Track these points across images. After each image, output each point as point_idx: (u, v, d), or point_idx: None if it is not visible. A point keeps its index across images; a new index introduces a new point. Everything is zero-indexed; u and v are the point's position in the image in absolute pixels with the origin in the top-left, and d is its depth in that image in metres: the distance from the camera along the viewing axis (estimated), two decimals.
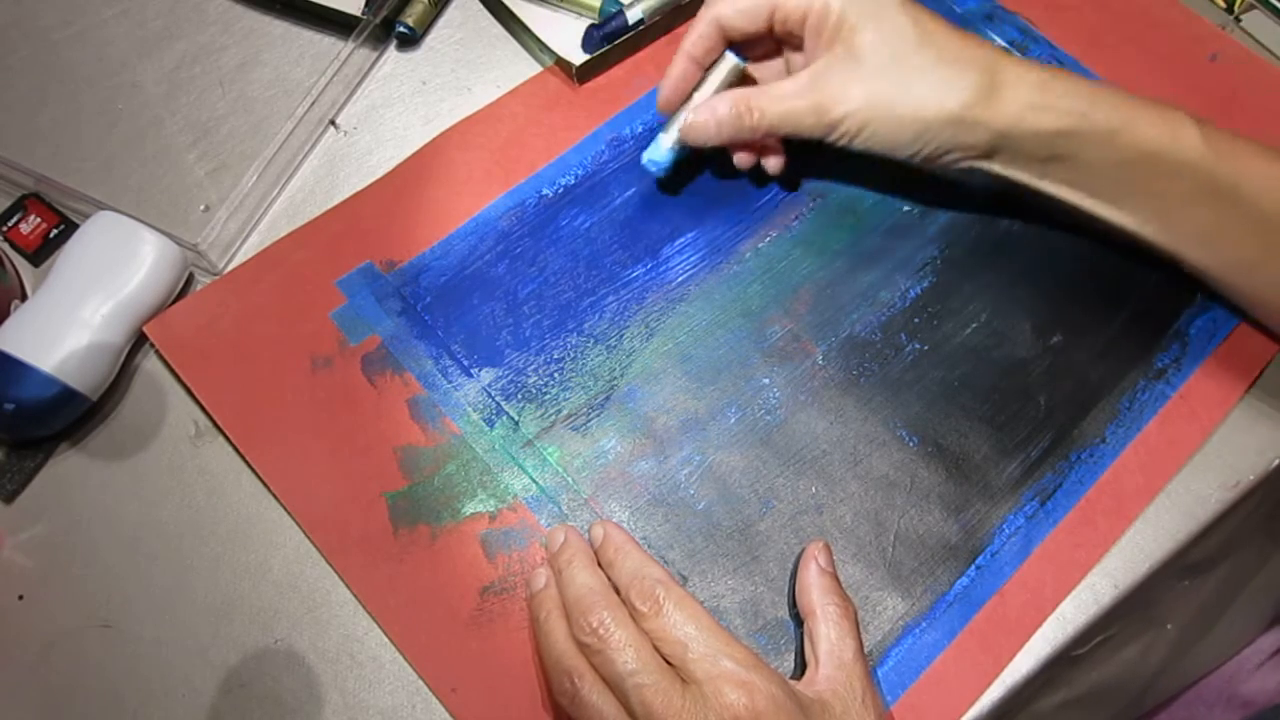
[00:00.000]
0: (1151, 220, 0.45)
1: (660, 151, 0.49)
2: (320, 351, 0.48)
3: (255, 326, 0.48)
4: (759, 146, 0.50)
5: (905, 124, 0.44)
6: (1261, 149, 0.43)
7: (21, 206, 0.51)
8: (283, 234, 0.51)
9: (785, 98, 0.46)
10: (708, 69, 0.48)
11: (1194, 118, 0.43)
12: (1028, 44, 0.57)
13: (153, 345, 0.48)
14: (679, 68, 0.48)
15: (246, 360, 0.47)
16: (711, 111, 0.47)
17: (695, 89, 0.48)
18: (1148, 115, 0.43)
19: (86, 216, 0.48)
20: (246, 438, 0.46)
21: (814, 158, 0.53)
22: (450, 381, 0.47)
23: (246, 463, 0.45)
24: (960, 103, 0.43)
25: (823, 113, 0.45)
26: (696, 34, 0.47)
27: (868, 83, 0.44)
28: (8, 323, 0.45)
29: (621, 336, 0.48)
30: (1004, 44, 0.56)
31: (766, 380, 0.48)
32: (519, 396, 0.47)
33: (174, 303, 0.49)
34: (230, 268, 0.51)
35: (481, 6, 0.59)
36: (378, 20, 0.55)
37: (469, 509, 0.45)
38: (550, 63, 0.56)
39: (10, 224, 0.51)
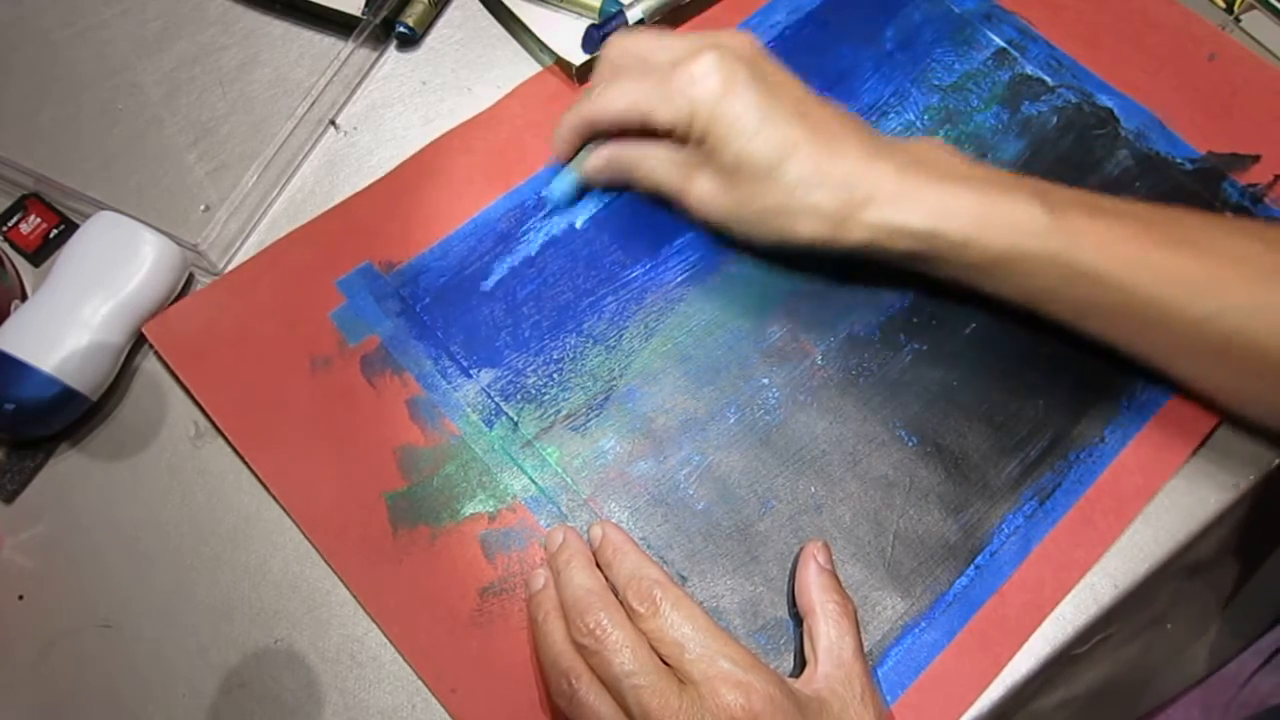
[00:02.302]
0: (1032, 304, 0.45)
1: (561, 189, 0.50)
2: (319, 352, 0.48)
3: (254, 327, 0.48)
4: None
5: (760, 237, 0.46)
6: (1117, 221, 0.42)
7: (21, 206, 0.51)
8: (283, 234, 0.51)
9: (661, 180, 0.47)
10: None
11: (1045, 204, 0.42)
12: (1026, 44, 0.57)
13: (151, 345, 0.48)
14: (560, 148, 0.50)
15: (245, 361, 0.47)
16: (603, 161, 0.48)
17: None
18: (999, 217, 0.42)
19: (86, 216, 0.48)
20: (245, 439, 0.46)
21: None
22: (449, 382, 0.47)
23: (246, 463, 0.46)
24: (810, 234, 0.44)
25: (690, 205, 0.47)
26: (569, 129, 0.48)
27: (729, 195, 0.45)
28: (8, 323, 0.45)
29: (620, 337, 0.48)
30: (1002, 43, 0.56)
31: (766, 380, 0.48)
32: (518, 397, 0.47)
33: (173, 303, 0.49)
34: (230, 268, 0.51)
35: (481, 6, 0.59)
36: (378, 20, 0.55)
37: (468, 509, 0.45)
38: (550, 63, 0.56)
39: (10, 224, 0.51)
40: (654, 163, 0.47)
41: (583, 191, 0.51)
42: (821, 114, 0.44)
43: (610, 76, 0.47)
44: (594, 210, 0.51)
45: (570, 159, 0.50)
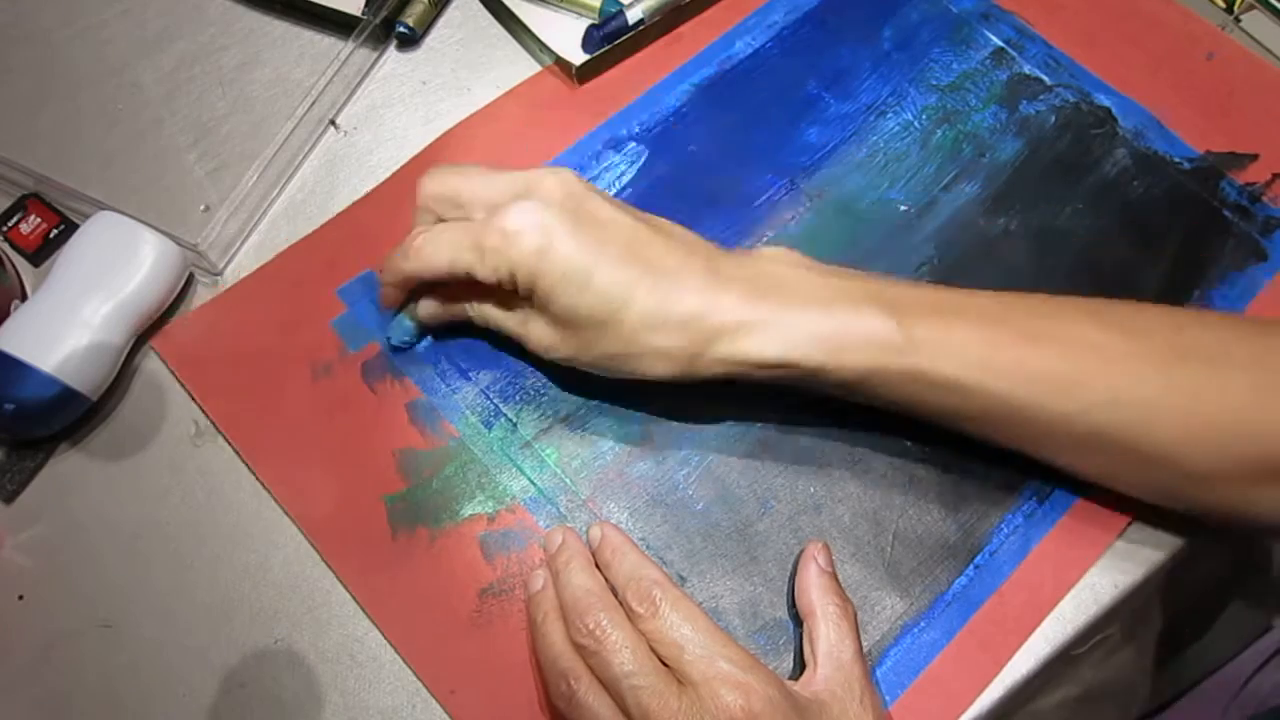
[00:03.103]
0: (902, 414, 0.43)
1: (399, 335, 0.48)
2: (321, 359, 0.48)
3: (258, 337, 0.48)
4: None
5: (611, 376, 0.43)
6: (970, 325, 0.41)
7: (21, 206, 0.51)
8: (283, 234, 0.51)
9: (498, 326, 0.45)
10: None
11: (896, 316, 0.40)
12: (1024, 43, 0.57)
13: (155, 352, 0.48)
14: (387, 298, 0.47)
15: (249, 370, 0.48)
16: (435, 310, 0.46)
17: None
18: (850, 338, 0.40)
19: (86, 216, 0.48)
20: (249, 447, 0.46)
21: (811, 157, 0.53)
22: (448, 385, 0.47)
23: (248, 467, 0.46)
24: (661, 374, 0.42)
25: (531, 349, 0.45)
26: (392, 283, 0.46)
27: (568, 344, 0.43)
28: (8, 323, 0.45)
29: None
30: (1000, 43, 0.57)
31: None
32: (517, 398, 0.47)
33: (173, 304, 0.49)
34: (230, 268, 0.51)
35: (481, 6, 0.59)
36: (378, 20, 0.55)
37: (467, 511, 0.45)
38: (550, 62, 0.56)
39: (10, 224, 0.51)
40: (486, 313, 0.45)
41: (422, 333, 0.48)
42: (655, 247, 0.41)
43: (429, 221, 0.45)
44: None
45: (400, 307, 0.48)
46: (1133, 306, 0.43)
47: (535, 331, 0.44)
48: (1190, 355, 0.40)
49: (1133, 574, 0.45)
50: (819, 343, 0.40)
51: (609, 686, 0.37)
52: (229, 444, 0.46)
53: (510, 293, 0.43)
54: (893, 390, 0.41)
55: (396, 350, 0.48)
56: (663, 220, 0.44)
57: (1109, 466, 0.43)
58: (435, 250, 0.43)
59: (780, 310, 0.40)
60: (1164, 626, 0.54)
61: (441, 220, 0.44)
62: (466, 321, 0.47)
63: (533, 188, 0.42)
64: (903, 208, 0.52)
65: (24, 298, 0.49)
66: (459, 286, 0.45)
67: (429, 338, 0.48)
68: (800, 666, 0.41)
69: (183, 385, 0.47)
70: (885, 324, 0.40)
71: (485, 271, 0.41)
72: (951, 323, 0.41)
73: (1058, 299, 0.43)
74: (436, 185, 0.44)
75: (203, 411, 0.47)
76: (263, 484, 0.45)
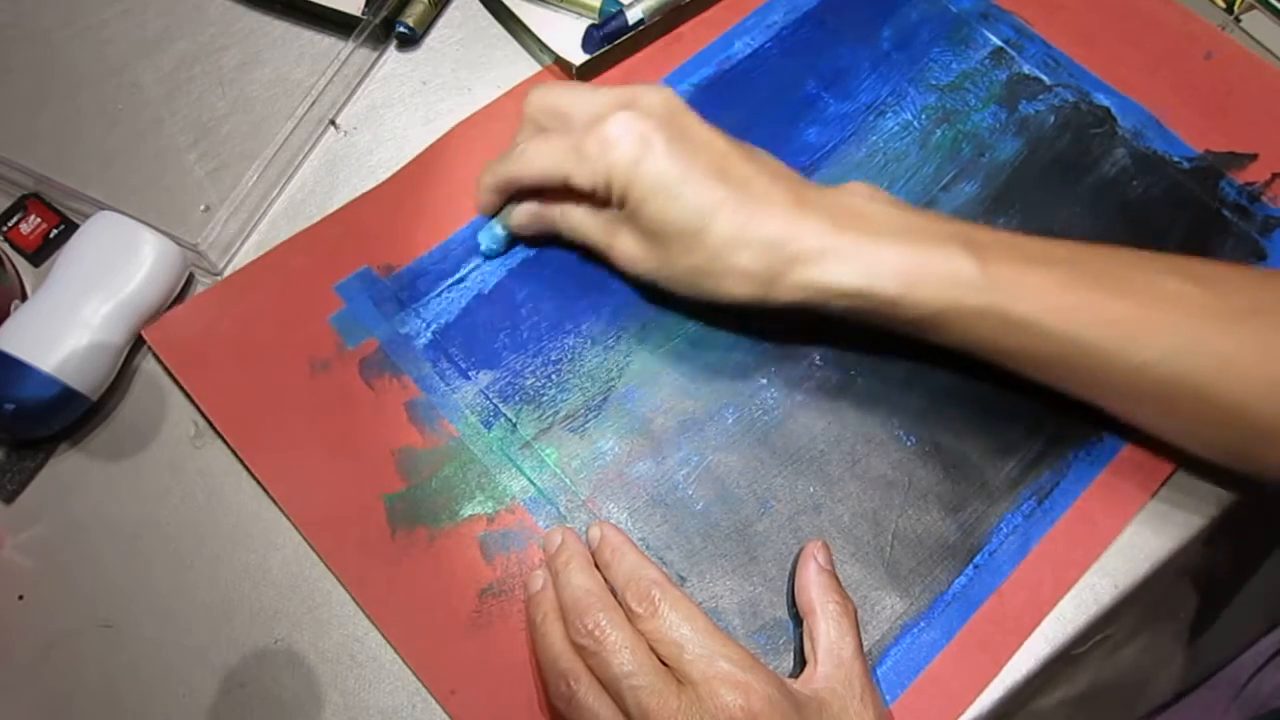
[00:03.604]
0: (972, 354, 0.44)
1: (489, 241, 0.50)
2: (318, 355, 0.48)
3: (253, 332, 0.48)
4: None
5: (687, 295, 0.45)
6: (1050, 269, 0.41)
7: (21, 206, 0.51)
8: (282, 234, 0.51)
9: (586, 237, 0.47)
10: None
11: (976, 255, 0.41)
12: (1023, 43, 0.57)
13: (151, 350, 0.48)
14: (483, 203, 0.49)
15: (245, 365, 0.47)
16: (528, 217, 0.48)
17: None
18: (929, 273, 0.41)
19: (86, 216, 0.48)
20: (245, 442, 0.46)
21: (811, 157, 0.53)
22: (448, 384, 0.47)
23: (245, 466, 0.46)
24: (738, 295, 0.43)
25: (615, 262, 0.46)
26: (490, 186, 0.48)
27: (652, 256, 0.44)
28: (8, 323, 0.45)
29: (619, 337, 0.48)
30: (999, 43, 0.57)
31: (764, 380, 0.48)
32: (517, 398, 0.47)
33: (173, 304, 0.49)
34: (230, 268, 0.51)
35: (481, 6, 0.59)
36: (378, 20, 0.55)
37: (467, 511, 0.45)
38: (550, 62, 0.56)
39: (10, 224, 0.51)
40: (577, 220, 0.46)
41: (511, 242, 0.50)
42: (745, 170, 0.42)
43: (531, 133, 0.47)
44: None
45: (495, 213, 0.50)
46: (1211, 262, 0.44)
47: (622, 243, 0.45)
48: (1268, 310, 0.40)
49: (1133, 574, 0.45)
50: (897, 275, 0.41)
51: (608, 687, 0.37)
52: (227, 444, 0.46)
53: (603, 202, 0.44)
54: (967, 328, 0.42)
55: (486, 258, 0.50)
56: (756, 148, 0.45)
57: (1179, 420, 0.43)
58: (537, 154, 0.45)
59: (861, 241, 0.41)
60: (1164, 626, 0.54)
61: (544, 131, 0.46)
62: (555, 234, 0.48)
63: (634, 101, 0.43)
64: None
65: (24, 298, 0.49)
66: (554, 194, 0.46)
67: (441, 319, 0.49)
68: (800, 665, 0.41)
69: (173, 377, 0.47)
70: (965, 261, 0.41)
71: (582, 177, 0.43)
72: (1031, 265, 0.41)
73: (1136, 251, 0.43)
74: (542, 97, 0.46)
75: (195, 405, 0.47)
76: (258, 480, 0.45)
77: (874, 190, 0.44)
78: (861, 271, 0.41)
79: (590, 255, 0.49)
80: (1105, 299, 0.41)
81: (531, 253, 0.50)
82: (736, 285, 0.42)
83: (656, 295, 0.48)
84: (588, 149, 0.43)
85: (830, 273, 0.41)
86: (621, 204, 0.43)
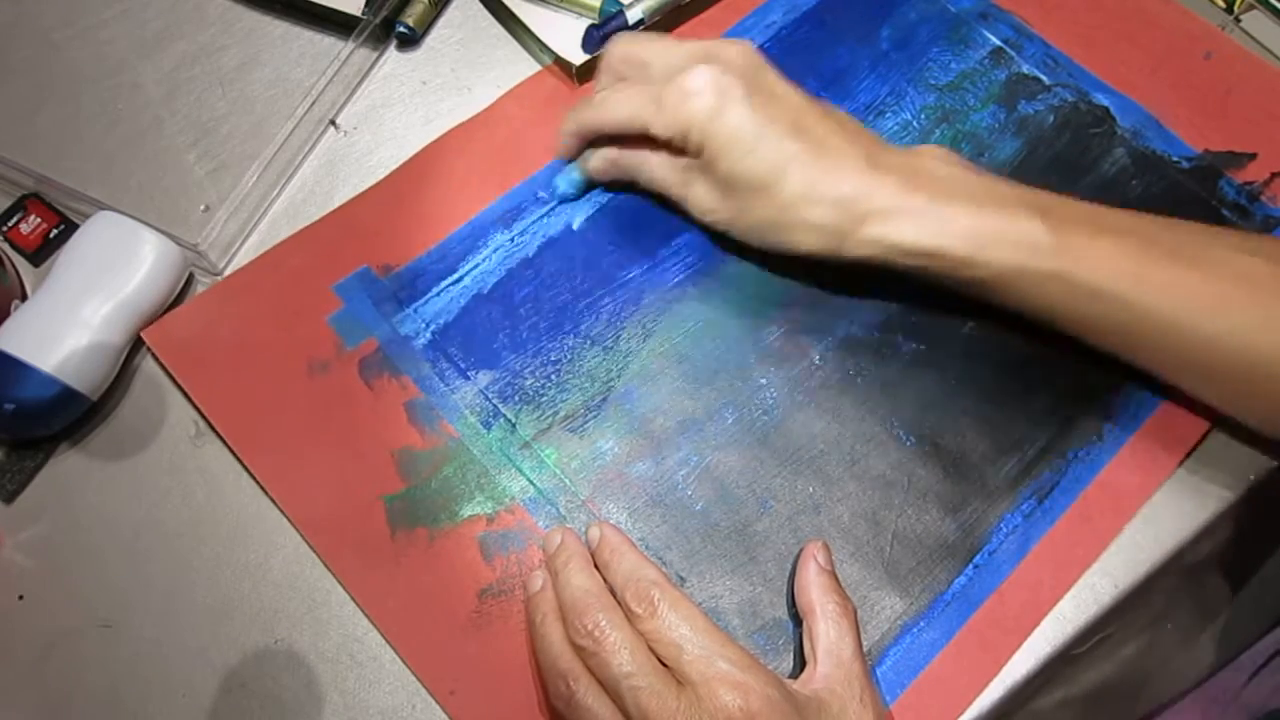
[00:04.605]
0: (1037, 318, 0.44)
1: (567, 184, 0.51)
2: (317, 356, 0.48)
3: (252, 332, 0.48)
4: None
5: (759, 246, 0.46)
6: (1120, 239, 0.41)
7: (21, 206, 0.51)
8: (282, 234, 0.51)
9: (662, 185, 0.48)
10: None
11: (1047, 221, 0.41)
12: (1022, 42, 0.57)
13: (151, 350, 0.48)
14: (565, 148, 0.51)
15: (244, 366, 0.47)
16: (607, 163, 0.50)
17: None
18: (1000, 235, 0.41)
19: (86, 216, 0.48)
20: (244, 443, 0.46)
21: None
22: (447, 384, 0.47)
23: (245, 466, 0.46)
24: (810, 248, 0.44)
25: (690, 211, 0.48)
26: (572, 132, 0.50)
27: (726, 206, 0.46)
28: (8, 323, 0.45)
29: (618, 338, 0.48)
30: (999, 42, 0.57)
31: (763, 380, 0.48)
32: (516, 399, 0.47)
33: (173, 304, 0.49)
34: (230, 268, 0.51)
35: (481, 6, 0.59)
36: (378, 20, 0.55)
37: (467, 511, 0.45)
38: (550, 62, 0.56)
39: (10, 224, 0.51)
40: (654, 168, 0.48)
41: (588, 187, 0.52)
42: (821, 127, 0.44)
43: (611, 82, 0.48)
44: (591, 211, 0.51)
45: (575, 158, 0.51)
46: (1278, 241, 0.44)
47: (697, 192, 0.46)
48: None
49: (1133, 574, 0.45)
50: (969, 236, 0.42)
51: (608, 687, 0.37)
52: (227, 444, 0.46)
53: (679, 152, 0.45)
54: (1036, 293, 0.42)
55: (562, 201, 0.51)
56: (833, 106, 0.46)
57: (1244, 395, 0.44)
58: (618, 103, 0.46)
59: (934, 201, 0.42)
60: (1164, 626, 0.54)
61: (624, 80, 0.47)
62: (631, 180, 0.50)
63: (714, 54, 0.44)
64: None
65: (24, 298, 0.49)
66: (633, 142, 0.47)
67: (441, 319, 0.49)
68: (800, 665, 0.41)
69: (172, 378, 0.47)
70: (1036, 226, 0.41)
71: (660, 127, 0.44)
72: (1102, 234, 0.42)
73: (1205, 226, 0.44)
74: (625, 47, 0.48)
75: (194, 406, 0.47)
76: (257, 481, 0.45)
77: (949, 153, 0.45)
78: (932, 231, 0.42)
79: (594, 254, 0.49)
80: (1178, 271, 0.41)
81: (530, 253, 0.50)
82: (808, 238, 0.43)
83: (725, 243, 0.49)
84: (667, 99, 0.44)
85: (901, 231, 0.42)
86: (698, 154, 0.44)
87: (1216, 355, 0.42)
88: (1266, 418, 0.45)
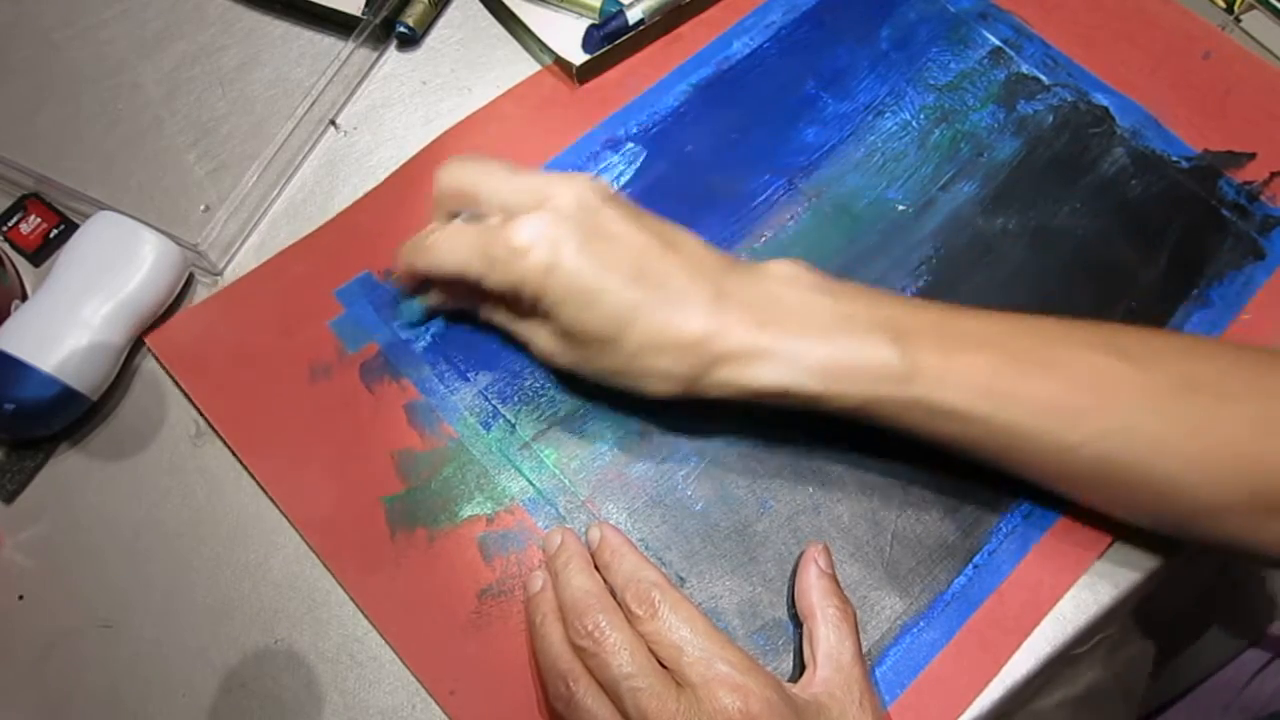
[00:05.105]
0: (904, 438, 0.43)
1: (409, 316, 0.49)
2: (319, 361, 0.48)
3: (255, 338, 0.48)
4: None
5: (618, 388, 0.43)
6: (974, 354, 0.40)
7: (21, 206, 0.51)
8: (282, 234, 0.51)
9: (503, 328, 0.47)
10: None
11: (899, 345, 0.40)
12: (1021, 42, 0.57)
13: (155, 356, 0.48)
14: (403, 283, 0.49)
15: (247, 371, 0.47)
16: (447, 302, 0.48)
17: None
18: (852, 367, 0.40)
19: (86, 216, 0.48)
20: (246, 446, 0.46)
21: (809, 157, 0.53)
22: (447, 386, 0.47)
23: (246, 468, 0.46)
24: (662, 394, 0.42)
25: (535, 356, 0.46)
26: (406, 273, 0.47)
27: (571, 354, 0.43)
28: (8, 323, 0.45)
29: None
30: (998, 42, 0.57)
31: None
32: (515, 399, 0.47)
33: (173, 304, 0.49)
34: (230, 268, 0.51)
35: (481, 6, 0.59)
36: (378, 20, 0.55)
37: (466, 512, 0.45)
38: (550, 62, 0.56)
39: (10, 224, 0.51)
40: (492, 313, 0.46)
41: (430, 316, 0.49)
42: (663, 267, 0.41)
43: (442, 216, 0.46)
44: None
45: (415, 293, 0.49)
46: (1141, 333, 0.42)
47: (540, 339, 0.44)
48: (1197, 386, 0.40)
49: (1133, 574, 0.45)
50: (822, 372, 0.40)
51: (608, 688, 0.37)
52: (227, 445, 0.46)
53: (516, 302, 0.43)
54: (894, 418, 0.41)
55: (406, 330, 0.49)
56: (676, 232, 0.43)
57: (1116, 498, 0.43)
58: (446, 253, 0.43)
59: (782, 338, 0.40)
60: (1164, 627, 0.54)
61: (455, 214, 0.45)
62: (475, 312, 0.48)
63: (546, 197, 0.42)
64: (901, 207, 0.52)
65: (24, 298, 0.49)
66: (469, 285, 0.45)
67: (440, 321, 0.49)
68: (800, 668, 0.41)
69: (177, 384, 0.47)
70: (888, 352, 0.40)
71: (493, 282, 0.42)
72: (956, 349, 0.40)
73: (1066, 323, 0.42)
74: (454, 180, 0.44)
75: (196, 409, 0.47)
76: (261, 485, 0.45)
77: (798, 272, 0.43)
78: (783, 371, 0.40)
79: None
80: (1033, 382, 0.40)
81: None
82: (658, 385, 0.42)
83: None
84: (497, 254, 0.41)
85: (751, 373, 0.40)
86: (535, 307, 0.42)
87: (1078, 463, 0.40)
88: (1136, 516, 0.43)
